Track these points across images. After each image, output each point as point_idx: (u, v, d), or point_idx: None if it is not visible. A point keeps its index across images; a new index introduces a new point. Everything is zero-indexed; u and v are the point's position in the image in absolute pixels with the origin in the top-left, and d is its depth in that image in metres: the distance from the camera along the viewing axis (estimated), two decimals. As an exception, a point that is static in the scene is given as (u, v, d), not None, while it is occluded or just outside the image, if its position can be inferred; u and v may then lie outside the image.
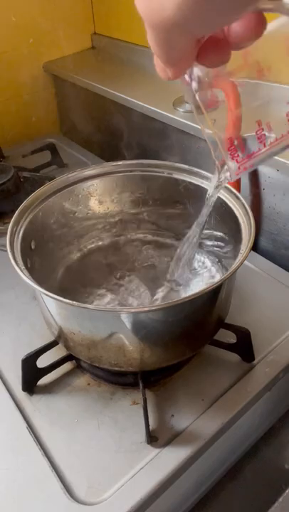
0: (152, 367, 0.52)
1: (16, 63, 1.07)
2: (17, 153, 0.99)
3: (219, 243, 0.62)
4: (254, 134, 0.36)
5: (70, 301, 0.43)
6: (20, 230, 0.53)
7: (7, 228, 0.52)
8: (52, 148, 0.98)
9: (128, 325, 0.45)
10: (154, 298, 0.60)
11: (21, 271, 0.45)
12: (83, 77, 1.01)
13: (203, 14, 0.23)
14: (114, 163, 0.64)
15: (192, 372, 0.56)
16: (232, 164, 0.37)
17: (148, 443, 0.48)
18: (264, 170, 0.72)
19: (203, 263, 0.65)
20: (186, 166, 0.61)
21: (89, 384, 0.56)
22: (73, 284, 0.63)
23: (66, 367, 0.57)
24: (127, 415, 0.52)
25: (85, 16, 1.11)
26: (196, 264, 0.65)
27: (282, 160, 0.66)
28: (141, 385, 0.51)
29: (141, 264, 0.66)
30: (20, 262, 0.47)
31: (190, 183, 0.61)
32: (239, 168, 0.37)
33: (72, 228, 0.65)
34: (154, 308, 0.44)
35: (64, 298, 0.43)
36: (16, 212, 0.54)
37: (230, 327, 0.55)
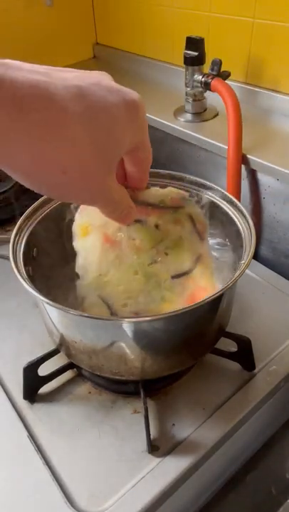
0: (153, 376, 0.52)
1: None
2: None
3: (219, 252, 0.62)
4: None
5: (72, 310, 0.43)
6: (22, 238, 0.53)
7: (8, 236, 0.52)
8: (53, 157, 0.99)
9: (130, 334, 0.45)
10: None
11: (24, 280, 0.45)
12: (85, 87, 1.02)
13: None
14: (116, 173, 0.64)
15: (193, 381, 0.56)
16: None
17: (149, 452, 0.48)
18: (264, 179, 0.73)
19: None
20: (186, 175, 0.61)
21: (90, 392, 0.56)
22: (75, 292, 0.63)
23: (67, 375, 0.57)
24: (128, 424, 0.52)
25: (86, 25, 1.13)
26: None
27: (282, 169, 0.66)
28: (142, 393, 0.52)
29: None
30: (22, 270, 0.48)
31: (190, 192, 0.61)
32: None
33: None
34: (155, 317, 0.44)
35: (65, 306, 0.43)
36: (19, 221, 0.55)
37: (231, 336, 0.55)
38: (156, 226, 0.55)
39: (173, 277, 0.54)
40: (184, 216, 0.55)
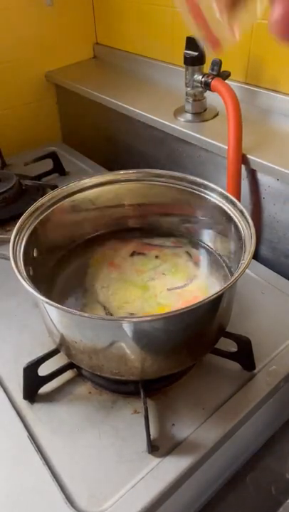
0: (153, 376, 0.52)
1: (18, 73, 1.08)
2: (19, 161, 0.99)
3: (219, 252, 0.62)
4: None
5: (72, 310, 0.43)
6: (23, 238, 0.53)
7: (8, 236, 0.52)
8: (54, 157, 0.99)
9: (129, 334, 0.45)
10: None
11: (24, 280, 0.45)
12: (85, 87, 1.02)
13: None
14: (116, 173, 0.64)
15: (193, 381, 0.56)
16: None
17: (149, 452, 0.48)
18: (264, 179, 0.73)
19: (202, 272, 0.65)
20: (186, 175, 0.61)
21: (90, 392, 0.56)
22: (74, 292, 0.63)
23: (67, 375, 0.57)
24: (128, 424, 0.52)
25: (87, 26, 1.13)
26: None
27: (282, 169, 0.66)
28: (142, 393, 0.52)
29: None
30: (22, 270, 0.48)
31: (191, 192, 0.61)
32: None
33: (73, 236, 0.66)
34: (155, 317, 0.44)
35: (65, 306, 0.43)
36: (19, 221, 0.55)
37: (231, 336, 0.55)
38: (157, 257, 0.65)
39: (169, 289, 0.60)
40: (182, 252, 0.66)
